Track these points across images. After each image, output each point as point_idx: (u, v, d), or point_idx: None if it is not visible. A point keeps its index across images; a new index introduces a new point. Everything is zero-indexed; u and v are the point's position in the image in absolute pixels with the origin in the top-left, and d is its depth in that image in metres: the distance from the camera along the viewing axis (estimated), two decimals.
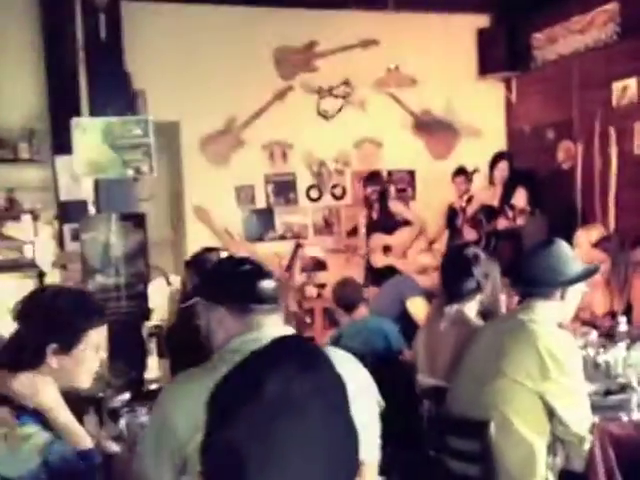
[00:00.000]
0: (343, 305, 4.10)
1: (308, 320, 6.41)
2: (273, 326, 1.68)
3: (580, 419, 2.37)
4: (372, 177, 6.28)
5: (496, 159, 6.11)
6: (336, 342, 3.87)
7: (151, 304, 3.98)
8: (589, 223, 5.74)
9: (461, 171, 6.41)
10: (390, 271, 5.90)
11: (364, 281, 5.99)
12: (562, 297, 2.49)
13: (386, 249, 6.11)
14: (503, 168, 6.06)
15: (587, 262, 4.13)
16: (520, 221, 5.79)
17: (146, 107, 5.51)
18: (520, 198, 5.88)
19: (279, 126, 6.59)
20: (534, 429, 2.37)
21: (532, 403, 2.38)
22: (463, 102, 6.96)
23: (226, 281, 1.72)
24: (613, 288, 4.08)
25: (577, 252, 4.33)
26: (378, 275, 6.00)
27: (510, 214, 5.69)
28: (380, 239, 6.11)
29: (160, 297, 4.44)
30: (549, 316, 2.50)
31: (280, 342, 1.48)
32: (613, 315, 4.05)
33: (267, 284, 1.71)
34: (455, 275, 2.96)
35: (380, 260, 6.05)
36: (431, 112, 7.04)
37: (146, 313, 3.82)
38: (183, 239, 6.62)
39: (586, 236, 4.45)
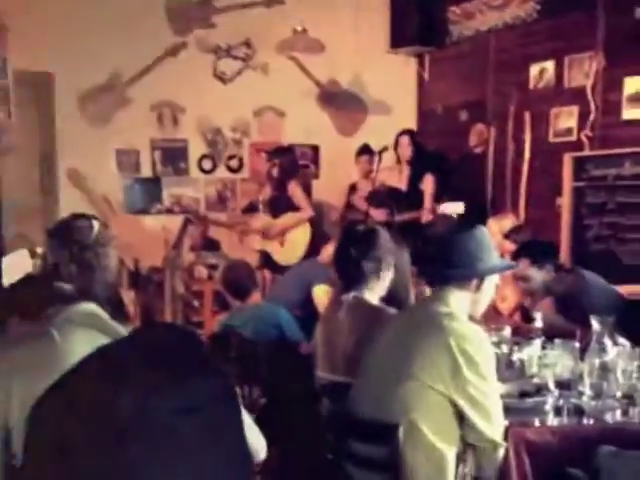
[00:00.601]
0: (233, 291, 3.90)
1: (196, 304, 6.23)
2: None
3: (494, 425, 2.25)
4: (280, 152, 6.04)
5: (398, 136, 5.99)
6: (227, 330, 3.68)
7: (6, 280, 3.59)
8: (499, 212, 5.77)
9: (366, 149, 6.31)
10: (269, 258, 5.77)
11: (259, 264, 5.82)
12: (478, 288, 2.39)
13: (266, 232, 5.92)
14: (405, 144, 5.92)
15: (501, 253, 4.17)
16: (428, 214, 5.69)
17: (5, 46, 5.05)
18: (428, 184, 5.84)
19: (170, 86, 6.36)
20: (444, 437, 2.23)
21: (442, 408, 2.23)
22: (373, 75, 6.90)
23: None
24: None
25: None
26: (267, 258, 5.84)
27: (439, 210, 5.51)
28: (261, 220, 5.93)
29: (21, 272, 4.06)
30: (462, 308, 2.38)
31: (140, 335, 1.19)
32: (522, 311, 4.01)
33: None
34: (347, 256, 2.79)
35: (256, 242, 5.89)
36: (338, 83, 6.96)
37: None
38: (55, 205, 6.32)
39: (498, 226, 4.41)
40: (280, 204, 5.90)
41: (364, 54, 6.79)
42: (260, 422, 3.49)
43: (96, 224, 2.81)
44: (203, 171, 6.67)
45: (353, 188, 6.37)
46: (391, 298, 3.20)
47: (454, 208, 5.39)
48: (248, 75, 6.64)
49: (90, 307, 1.78)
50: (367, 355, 2.50)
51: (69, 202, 6.13)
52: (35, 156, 6.38)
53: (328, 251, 4.18)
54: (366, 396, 2.38)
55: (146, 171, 6.50)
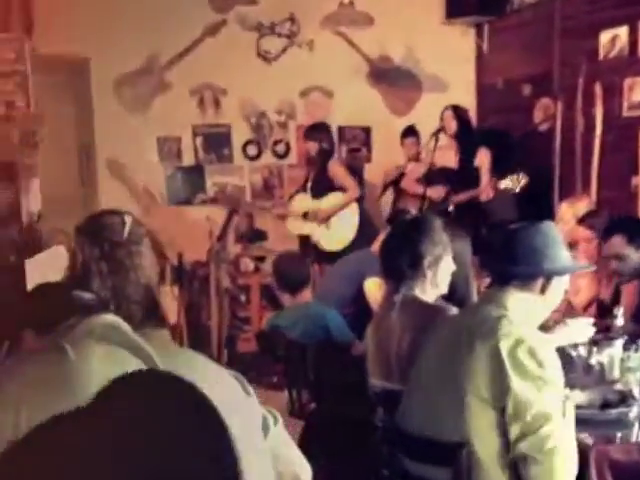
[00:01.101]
0: (285, 285, 3.75)
1: (243, 298, 6.22)
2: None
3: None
4: (315, 129, 5.89)
5: (442, 112, 5.78)
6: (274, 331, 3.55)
7: (38, 280, 3.50)
8: (568, 194, 5.54)
9: (410, 131, 6.18)
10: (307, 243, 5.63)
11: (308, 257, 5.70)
12: (543, 290, 2.20)
13: (307, 214, 5.76)
14: (449, 117, 5.69)
15: (571, 241, 3.95)
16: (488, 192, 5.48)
17: (32, 29, 5.00)
18: (483, 158, 5.64)
19: (211, 68, 6.33)
20: (498, 460, 2.05)
21: (493, 426, 2.05)
22: (427, 49, 6.72)
23: None
24: (600, 273, 3.80)
25: (562, 228, 4.15)
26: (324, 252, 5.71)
27: (501, 185, 5.29)
28: (303, 201, 5.78)
29: (56, 271, 3.99)
30: (521, 312, 2.19)
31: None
32: (599, 305, 3.78)
33: None
34: (392, 250, 2.63)
35: (296, 227, 5.75)
36: (390, 59, 6.78)
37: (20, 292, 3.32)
38: (94, 198, 6.34)
39: (572, 210, 4.18)
40: (321, 186, 5.75)
41: (417, 26, 6.64)
42: (309, 429, 3.39)
43: (129, 220, 2.69)
44: (248, 157, 6.59)
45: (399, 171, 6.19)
46: (451, 293, 3.04)
47: (516, 182, 5.14)
48: (293, 53, 6.55)
49: (110, 319, 1.64)
50: (416, 362, 2.36)
51: (109, 194, 6.17)
52: (73, 146, 6.38)
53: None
54: (415, 409, 2.23)
55: (188, 159, 6.47)
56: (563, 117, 5.85)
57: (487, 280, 3.86)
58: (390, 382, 2.62)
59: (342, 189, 5.73)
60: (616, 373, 2.60)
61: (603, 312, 3.80)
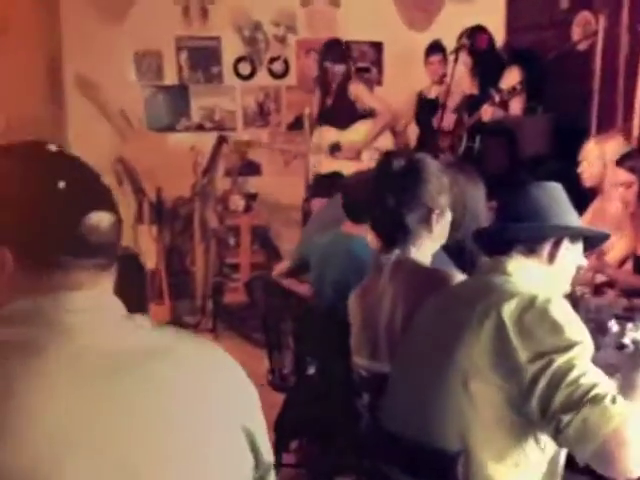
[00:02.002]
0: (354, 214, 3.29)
1: (232, 242, 6.12)
2: (97, 290, 1.26)
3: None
4: (333, 48, 5.72)
5: (472, 33, 5.47)
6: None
7: None
8: (607, 128, 5.32)
9: (436, 47, 5.94)
10: (330, 181, 5.46)
11: (305, 192, 5.52)
12: (550, 258, 2.03)
13: (334, 148, 5.62)
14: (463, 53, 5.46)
15: (611, 184, 3.68)
16: (515, 107, 5.22)
17: None
18: (512, 79, 5.37)
19: None
20: (502, 464, 1.84)
21: (500, 421, 1.83)
22: None
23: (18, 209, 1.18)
24: (637, 225, 3.54)
25: (587, 170, 3.90)
26: (324, 185, 5.48)
27: (497, 98, 5.08)
28: (328, 133, 5.65)
29: None
30: (532, 281, 2.01)
31: None
32: (636, 263, 3.51)
33: (98, 219, 1.21)
34: (383, 205, 2.36)
35: (325, 163, 5.58)
36: None
37: None
38: (63, 119, 6.17)
39: (599, 149, 3.91)
40: (342, 113, 5.61)
41: None
42: (287, 406, 3.20)
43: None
44: (240, 77, 6.41)
45: (421, 99, 6.02)
46: (459, 251, 2.78)
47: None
48: None
49: None
50: (402, 345, 2.15)
51: (79, 115, 6.05)
52: (40, 60, 6.12)
53: None
54: (401, 405, 2.01)
55: (171, 78, 6.29)
56: (605, 35, 5.61)
57: None
58: (378, 362, 2.38)
59: (369, 115, 5.60)
60: None
61: None
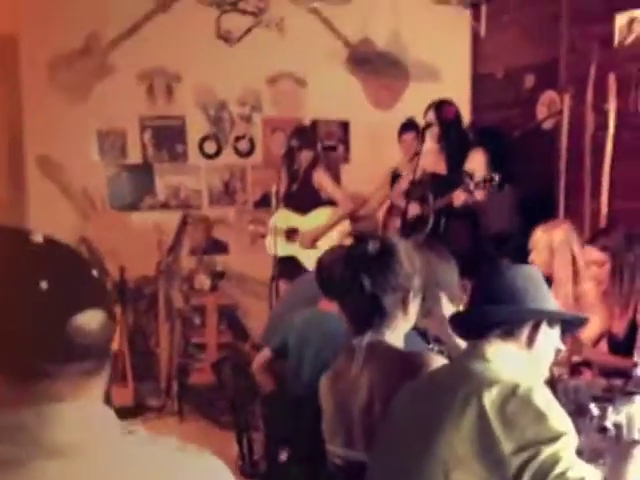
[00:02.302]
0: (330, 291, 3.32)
1: (197, 321, 6.11)
2: (84, 399, 1.14)
3: None
4: (302, 133, 5.88)
5: (439, 105, 5.64)
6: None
7: None
8: (575, 204, 5.51)
9: (411, 125, 6.06)
10: (292, 263, 5.60)
11: (272, 272, 5.53)
12: (529, 342, 2.05)
13: (291, 233, 5.69)
14: (430, 120, 5.60)
15: (583, 265, 3.74)
16: (479, 195, 5.31)
17: None
18: (477, 162, 5.48)
19: (162, 50, 6.20)
20: None
21: None
22: (415, 32, 6.68)
23: None
24: (612, 303, 3.58)
25: (536, 258, 3.94)
26: (285, 267, 5.57)
27: (471, 186, 5.16)
28: (286, 217, 5.69)
29: None
30: (511, 366, 2.01)
31: None
32: (611, 341, 3.55)
33: (86, 320, 1.10)
34: (358, 290, 2.36)
35: (280, 247, 5.61)
36: (372, 42, 6.71)
37: None
38: (23, 199, 6.19)
39: (547, 238, 3.97)
40: (305, 198, 5.71)
41: (404, 5, 6.57)
42: None
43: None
44: (205, 156, 6.48)
45: (396, 176, 6.09)
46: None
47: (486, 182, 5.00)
48: (259, 34, 6.42)
49: None
50: (380, 433, 2.13)
51: (41, 197, 6.05)
52: (1, 141, 6.14)
53: None
54: None
55: (135, 157, 6.33)
56: (571, 113, 5.75)
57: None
58: (353, 451, 2.35)
59: (324, 202, 5.69)
60: (638, 437, 2.35)
61: (616, 349, 3.58)
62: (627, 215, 5.13)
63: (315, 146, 5.91)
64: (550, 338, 2.08)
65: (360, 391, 2.34)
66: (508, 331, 2.02)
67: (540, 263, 3.83)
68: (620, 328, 3.59)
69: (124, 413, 5.48)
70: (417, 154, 5.79)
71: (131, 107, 6.20)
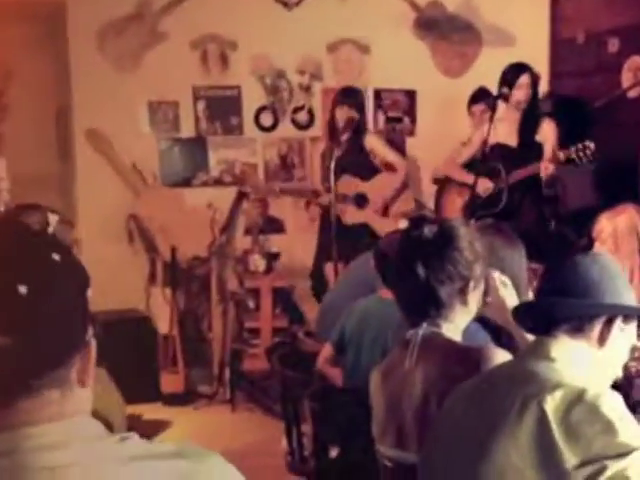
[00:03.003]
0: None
1: (252, 305, 6.06)
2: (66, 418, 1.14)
3: None
4: (347, 94, 5.73)
5: (514, 72, 5.38)
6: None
7: None
8: None
9: (482, 94, 5.95)
10: (364, 232, 5.49)
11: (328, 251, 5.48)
12: (601, 339, 1.93)
13: (360, 200, 5.61)
14: (525, 85, 5.32)
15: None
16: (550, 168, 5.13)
17: None
18: (549, 132, 5.30)
19: (216, 15, 6.18)
20: None
21: None
22: None
23: None
24: None
25: (599, 247, 3.77)
26: (349, 241, 5.44)
27: (561, 155, 4.96)
28: (351, 184, 5.61)
29: None
30: (579, 365, 1.91)
31: None
32: None
33: None
34: (413, 278, 2.26)
35: (350, 215, 5.56)
36: (442, 5, 6.62)
37: None
38: (72, 175, 6.21)
39: (611, 226, 3.77)
40: (361, 166, 5.63)
41: None
42: None
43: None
44: (262, 128, 6.43)
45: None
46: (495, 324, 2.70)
47: (580, 151, 4.79)
48: None
49: None
50: (432, 434, 2.04)
51: (89, 171, 6.07)
52: (49, 112, 6.22)
53: None
54: None
55: (188, 130, 6.31)
56: None
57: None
58: (405, 452, 2.26)
59: (386, 168, 5.63)
60: None
61: None
62: None
63: (363, 108, 5.77)
64: (625, 335, 1.97)
65: (414, 387, 2.24)
66: (578, 327, 1.92)
67: (609, 245, 3.68)
68: None
69: (174, 400, 5.51)
70: (490, 121, 5.64)
71: (184, 77, 6.19)
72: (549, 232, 5.26)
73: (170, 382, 5.54)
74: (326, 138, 5.76)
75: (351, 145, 5.59)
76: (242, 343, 5.86)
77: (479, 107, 5.93)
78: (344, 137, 5.56)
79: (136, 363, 5.41)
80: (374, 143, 5.70)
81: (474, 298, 2.31)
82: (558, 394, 1.73)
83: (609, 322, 1.92)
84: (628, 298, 1.98)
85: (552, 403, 1.72)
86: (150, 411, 5.32)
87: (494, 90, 5.55)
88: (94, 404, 1.20)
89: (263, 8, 6.24)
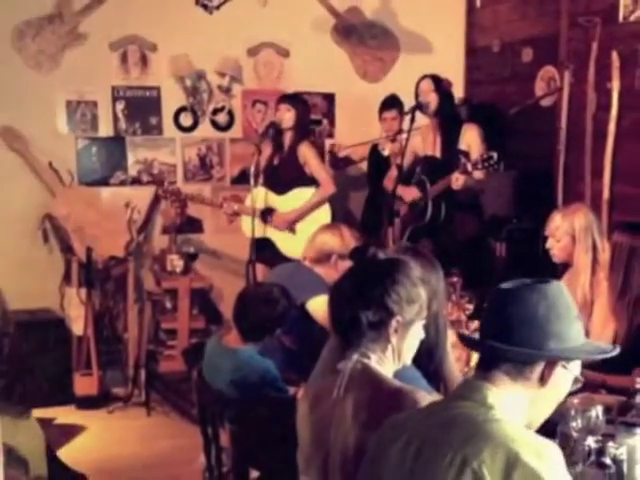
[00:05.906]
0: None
1: (169, 305, 5.87)
2: None
3: None
4: (295, 98, 5.57)
5: (418, 81, 5.39)
6: None
7: None
8: (574, 188, 5.41)
9: (392, 102, 5.93)
10: (267, 246, 5.39)
11: (250, 257, 5.38)
12: (542, 380, 1.79)
13: (267, 213, 5.42)
14: (426, 91, 5.28)
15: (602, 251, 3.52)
16: (477, 176, 5.06)
17: None
18: (472, 138, 5.27)
19: (137, 16, 6.00)
20: None
21: None
22: (407, 1, 6.65)
23: None
24: (620, 307, 3.28)
25: (555, 246, 3.72)
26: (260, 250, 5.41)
27: (468, 166, 4.89)
28: (263, 196, 5.42)
29: None
30: (514, 408, 1.77)
31: None
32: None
33: None
34: (350, 297, 2.14)
35: (254, 229, 5.31)
36: (360, 11, 6.62)
37: None
38: None
39: (568, 223, 3.71)
40: (286, 175, 5.41)
41: None
42: None
43: None
44: (181, 129, 6.29)
45: (375, 152, 6.00)
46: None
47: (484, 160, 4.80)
48: (240, 1, 6.26)
49: None
50: (361, 472, 1.87)
51: (5, 171, 5.80)
52: None
53: (343, 266, 3.43)
54: None
55: (106, 129, 6.11)
56: (571, 91, 5.73)
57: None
58: None
59: (308, 182, 5.40)
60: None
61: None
62: (630, 200, 5.04)
63: (306, 116, 5.61)
64: (568, 372, 1.83)
65: (342, 421, 2.06)
66: (519, 369, 1.77)
67: (560, 250, 3.69)
68: (624, 335, 3.31)
69: (88, 403, 5.26)
70: (399, 132, 5.60)
71: (103, 77, 6.01)
72: (471, 242, 5.20)
73: (84, 384, 5.30)
74: (266, 146, 5.52)
75: (287, 154, 5.41)
76: (158, 344, 5.68)
77: (390, 114, 5.89)
78: (279, 145, 5.41)
79: (49, 366, 5.18)
80: (307, 153, 5.38)
81: (402, 342, 2.15)
82: (499, 456, 1.58)
83: (551, 364, 1.79)
84: (574, 336, 1.82)
85: (492, 466, 1.58)
86: (63, 414, 5.09)
87: (407, 96, 5.54)
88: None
89: (184, 10, 6.10)
